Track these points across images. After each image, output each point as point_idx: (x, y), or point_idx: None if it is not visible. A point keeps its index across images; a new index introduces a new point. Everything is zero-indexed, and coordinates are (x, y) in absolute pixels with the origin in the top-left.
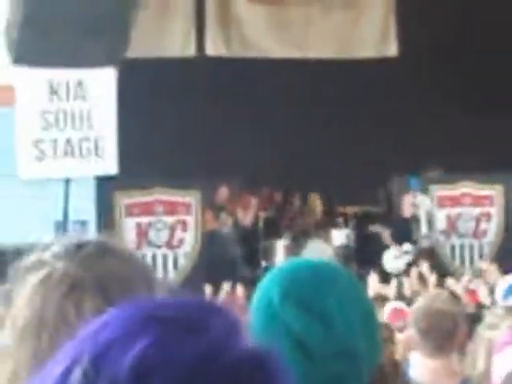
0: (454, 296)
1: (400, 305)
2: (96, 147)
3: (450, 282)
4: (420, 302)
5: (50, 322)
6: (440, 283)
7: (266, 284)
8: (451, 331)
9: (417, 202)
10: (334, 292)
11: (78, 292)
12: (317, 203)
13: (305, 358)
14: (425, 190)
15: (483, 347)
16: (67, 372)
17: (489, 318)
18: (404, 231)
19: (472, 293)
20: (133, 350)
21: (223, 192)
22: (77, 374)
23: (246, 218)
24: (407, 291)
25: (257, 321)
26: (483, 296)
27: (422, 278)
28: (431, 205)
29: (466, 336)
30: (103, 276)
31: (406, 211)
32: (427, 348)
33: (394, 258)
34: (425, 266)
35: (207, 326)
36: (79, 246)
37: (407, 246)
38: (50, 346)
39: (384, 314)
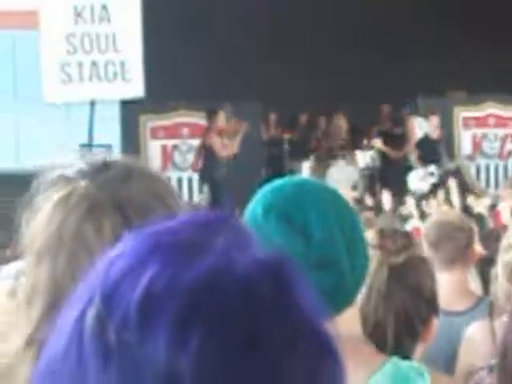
0: (478, 216)
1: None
2: (122, 70)
3: (473, 203)
4: (432, 217)
5: (68, 243)
6: (465, 205)
7: (253, 201)
8: (463, 244)
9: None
10: (317, 206)
11: (98, 213)
12: (342, 123)
13: None
14: (424, 115)
15: (503, 268)
16: (83, 315)
17: (507, 239)
18: (431, 152)
19: (496, 214)
20: (139, 284)
21: (221, 117)
22: (91, 316)
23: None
24: (431, 211)
25: None
26: (506, 219)
27: (448, 200)
28: (428, 128)
29: (479, 255)
30: (124, 200)
31: (432, 132)
32: (439, 261)
33: (419, 179)
34: (453, 185)
35: (210, 245)
36: (105, 167)
37: (432, 168)
38: (67, 268)
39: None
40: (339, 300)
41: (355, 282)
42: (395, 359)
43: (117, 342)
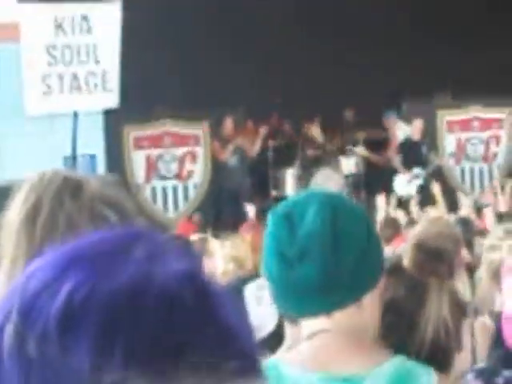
0: (464, 220)
1: None
2: (103, 81)
3: (459, 205)
4: (419, 227)
5: (47, 208)
6: (450, 207)
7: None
8: (452, 253)
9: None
10: (315, 204)
11: (73, 182)
12: (314, 131)
13: (281, 260)
14: (407, 119)
15: (485, 270)
16: (0, 331)
17: (489, 240)
18: (414, 156)
19: (482, 218)
20: (58, 296)
21: (228, 123)
22: (8, 332)
23: (253, 148)
24: (416, 215)
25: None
26: (490, 221)
27: (435, 204)
28: (410, 131)
29: (464, 260)
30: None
31: (415, 135)
32: None
33: (404, 183)
34: (436, 188)
35: (129, 256)
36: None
37: (417, 170)
38: (45, 233)
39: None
40: (327, 294)
41: (350, 281)
42: (402, 356)
43: (37, 355)
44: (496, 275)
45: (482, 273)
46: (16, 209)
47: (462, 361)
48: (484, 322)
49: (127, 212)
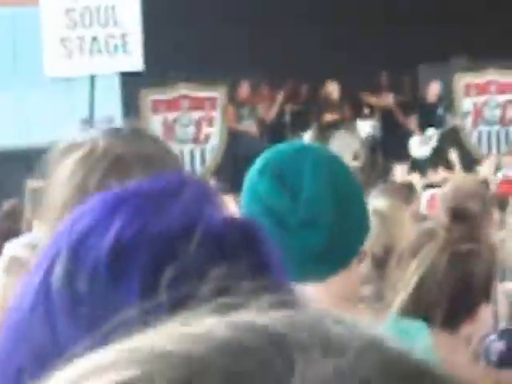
0: (484, 183)
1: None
2: (123, 43)
3: (478, 168)
4: (448, 186)
5: (93, 193)
6: (467, 171)
7: (254, 163)
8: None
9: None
10: (311, 166)
11: (123, 166)
12: (332, 90)
13: (278, 226)
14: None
15: (508, 231)
16: (49, 271)
17: None
18: (430, 118)
19: (506, 182)
20: (109, 233)
21: (244, 87)
22: (58, 269)
23: (270, 112)
24: (434, 179)
25: (243, 197)
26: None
27: (449, 166)
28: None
29: (496, 221)
30: (145, 154)
31: (432, 98)
32: None
33: (419, 145)
34: (453, 153)
35: (179, 196)
36: (117, 129)
37: (431, 131)
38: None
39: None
40: (330, 260)
41: (347, 244)
42: (395, 316)
43: (87, 291)
44: None
45: (505, 235)
46: (62, 181)
47: (482, 323)
48: (508, 286)
49: None
